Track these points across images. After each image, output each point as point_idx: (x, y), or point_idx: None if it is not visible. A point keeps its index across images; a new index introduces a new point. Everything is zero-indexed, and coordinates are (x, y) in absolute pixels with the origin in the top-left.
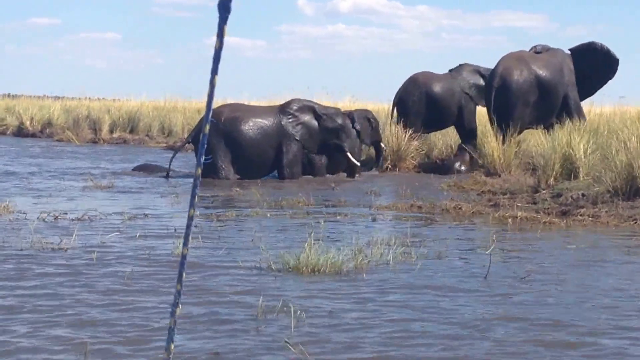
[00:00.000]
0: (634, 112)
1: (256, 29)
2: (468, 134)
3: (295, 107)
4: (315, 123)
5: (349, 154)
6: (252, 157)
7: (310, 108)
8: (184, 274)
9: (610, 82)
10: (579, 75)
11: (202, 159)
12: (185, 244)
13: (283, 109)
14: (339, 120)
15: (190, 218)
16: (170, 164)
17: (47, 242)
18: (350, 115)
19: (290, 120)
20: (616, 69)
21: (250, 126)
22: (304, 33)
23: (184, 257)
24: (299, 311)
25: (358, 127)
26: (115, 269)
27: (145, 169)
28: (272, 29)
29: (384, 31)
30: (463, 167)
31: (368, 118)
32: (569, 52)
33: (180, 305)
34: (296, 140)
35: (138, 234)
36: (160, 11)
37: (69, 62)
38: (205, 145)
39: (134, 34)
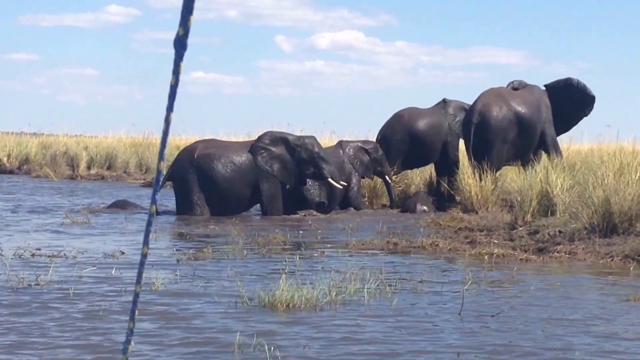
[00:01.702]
0: (612, 149)
1: (235, 65)
2: (449, 169)
3: (267, 141)
4: (288, 155)
5: (330, 180)
6: (228, 193)
7: (283, 140)
8: (136, 312)
9: (589, 118)
10: (554, 111)
11: (157, 196)
12: (138, 281)
13: (256, 144)
14: (315, 149)
15: (144, 255)
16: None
17: (22, 277)
18: (341, 144)
19: (263, 154)
20: (592, 106)
21: (225, 163)
22: (282, 69)
23: (137, 295)
24: (272, 347)
25: (351, 154)
26: (90, 304)
27: (120, 205)
28: (250, 65)
29: (362, 67)
30: (425, 207)
31: (365, 149)
32: (544, 88)
33: (132, 343)
34: (272, 175)
35: (114, 270)
36: (139, 47)
37: (47, 98)
38: (160, 183)
39: (113, 70)
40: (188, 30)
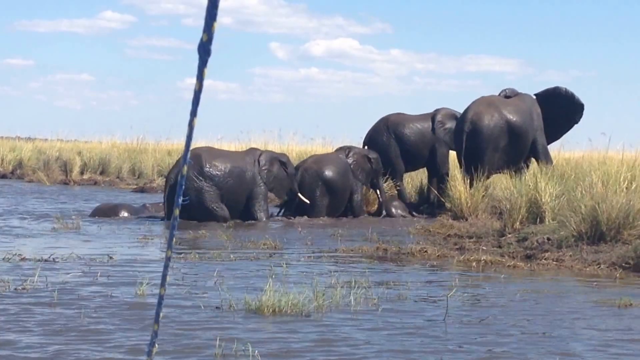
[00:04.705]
0: (602, 157)
1: (229, 72)
2: (438, 177)
3: (266, 159)
4: (283, 172)
5: (300, 195)
6: (231, 200)
7: (275, 158)
8: (161, 314)
9: (582, 125)
10: (545, 119)
11: (181, 200)
12: (162, 284)
13: (256, 160)
14: (293, 167)
15: (168, 259)
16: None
17: (9, 281)
18: (346, 149)
19: (264, 172)
20: (581, 114)
21: (231, 171)
22: (277, 76)
23: (161, 297)
24: (255, 351)
25: (351, 160)
26: (74, 309)
27: (108, 207)
28: (245, 72)
29: (357, 75)
30: (400, 211)
31: (368, 157)
32: (534, 97)
33: (156, 345)
34: (267, 188)
35: (100, 274)
36: (134, 53)
37: (42, 103)
38: (183, 186)
39: (108, 76)
40: (212, 36)
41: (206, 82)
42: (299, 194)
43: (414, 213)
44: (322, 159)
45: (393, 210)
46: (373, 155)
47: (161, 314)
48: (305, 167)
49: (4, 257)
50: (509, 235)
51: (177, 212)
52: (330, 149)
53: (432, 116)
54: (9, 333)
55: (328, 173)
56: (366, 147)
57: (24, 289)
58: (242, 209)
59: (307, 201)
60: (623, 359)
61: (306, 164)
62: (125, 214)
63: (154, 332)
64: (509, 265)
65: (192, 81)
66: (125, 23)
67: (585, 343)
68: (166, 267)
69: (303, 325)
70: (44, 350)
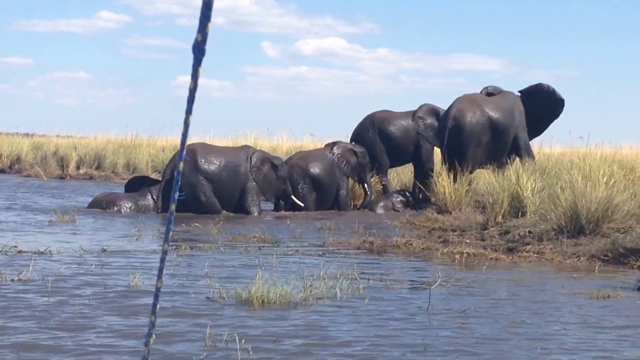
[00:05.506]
0: (582, 153)
1: (223, 70)
2: (423, 172)
3: (258, 158)
4: (273, 174)
5: (293, 197)
6: (224, 194)
7: (268, 160)
8: (158, 306)
9: (569, 122)
10: (528, 115)
11: (177, 195)
12: (159, 276)
13: (249, 157)
14: (285, 170)
15: (164, 252)
16: (158, 199)
17: (5, 273)
18: (332, 144)
19: (254, 171)
20: (561, 109)
21: (225, 166)
22: (268, 74)
23: (158, 289)
24: (244, 340)
25: (336, 153)
26: (67, 298)
27: (106, 199)
28: (238, 70)
29: (345, 73)
30: (383, 211)
31: (354, 151)
32: (519, 94)
33: (153, 336)
34: (258, 186)
35: (94, 266)
36: (130, 52)
37: (41, 101)
38: (179, 182)
39: (105, 74)
40: (206, 36)
41: (200, 81)
42: (293, 197)
43: (398, 208)
44: (308, 155)
45: (377, 210)
46: (359, 149)
47: (158, 306)
48: (292, 164)
49: (1, 249)
50: (492, 229)
51: (173, 206)
52: (319, 145)
53: (414, 112)
54: (3, 321)
55: (314, 169)
56: (353, 143)
57: (19, 279)
58: (235, 203)
59: (302, 204)
60: (601, 345)
61: (292, 160)
62: (124, 205)
63: (151, 323)
64: (491, 258)
65: (187, 79)
66: (121, 23)
67: (565, 333)
68: (162, 260)
69: (291, 315)
70: (38, 338)
